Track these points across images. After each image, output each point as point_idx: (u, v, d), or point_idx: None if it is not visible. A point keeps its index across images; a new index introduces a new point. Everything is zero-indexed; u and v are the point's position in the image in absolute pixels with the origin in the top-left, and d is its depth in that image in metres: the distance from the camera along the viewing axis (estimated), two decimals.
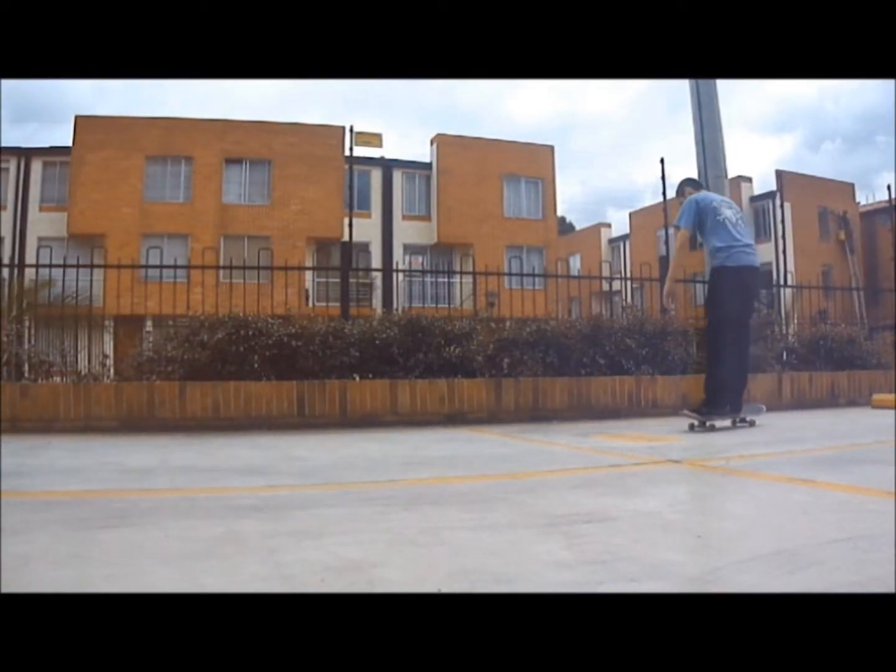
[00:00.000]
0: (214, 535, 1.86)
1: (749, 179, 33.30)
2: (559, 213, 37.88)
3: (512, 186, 30.76)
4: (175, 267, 6.45)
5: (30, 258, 19.76)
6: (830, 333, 7.79)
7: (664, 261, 9.12)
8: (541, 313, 7.12)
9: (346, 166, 28.09)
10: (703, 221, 4.99)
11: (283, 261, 8.23)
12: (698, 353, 6.99)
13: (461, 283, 25.15)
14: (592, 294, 8.05)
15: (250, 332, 5.56)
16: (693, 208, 4.98)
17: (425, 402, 5.62)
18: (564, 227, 61.03)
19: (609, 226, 45.29)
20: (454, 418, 5.61)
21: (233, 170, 26.96)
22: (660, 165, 34.03)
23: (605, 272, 19.85)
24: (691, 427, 4.73)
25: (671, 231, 32.44)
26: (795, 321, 9.24)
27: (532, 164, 30.57)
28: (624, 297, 11.46)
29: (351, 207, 27.95)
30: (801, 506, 2.20)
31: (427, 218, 30.28)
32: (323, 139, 27.57)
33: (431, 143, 30.67)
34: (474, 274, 8.85)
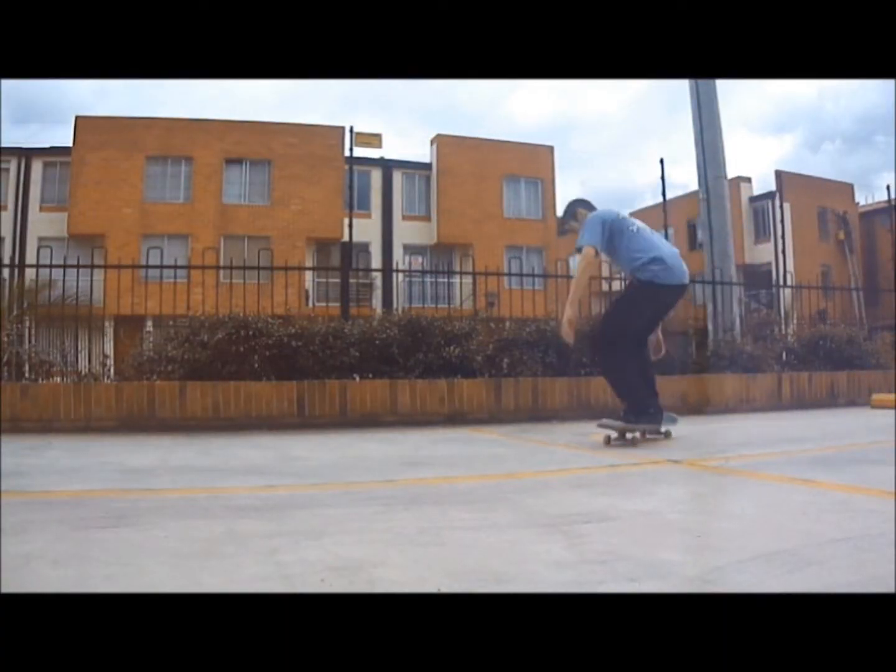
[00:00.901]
0: (214, 535, 1.86)
1: (748, 179, 33.32)
2: (560, 213, 37.89)
3: (512, 187, 30.76)
4: (175, 267, 6.45)
5: (30, 258, 19.75)
6: (830, 333, 7.79)
7: None
8: (540, 313, 7.12)
9: (346, 167, 28.10)
10: (613, 237, 4.41)
11: (283, 261, 8.23)
12: (699, 352, 7.00)
13: (461, 283, 25.14)
14: (592, 294, 8.02)
15: (250, 333, 5.56)
16: (598, 223, 4.39)
17: (425, 402, 5.62)
18: None
19: None
20: (454, 418, 5.61)
21: (233, 170, 26.96)
22: (659, 166, 34.04)
23: (605, 272, 19.83)
24: (607, 440, 4.14)
25: (671, 231, 32.51)
26: (795, 321, 9.24)
27: (532, 164, 30.57)
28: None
29: (351, 207, 27.96)
30: (801, 506, 2.20)
31: (427, 218, 30.28)
32: (323, 139, 27.57)
33: (431, 143, 30.68)
34: (474, 274, 8.84)
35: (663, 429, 4.41)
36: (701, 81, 10.21)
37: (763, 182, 36.07)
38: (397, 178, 30.41)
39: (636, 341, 4.49)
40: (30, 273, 9.66)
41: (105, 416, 5.25)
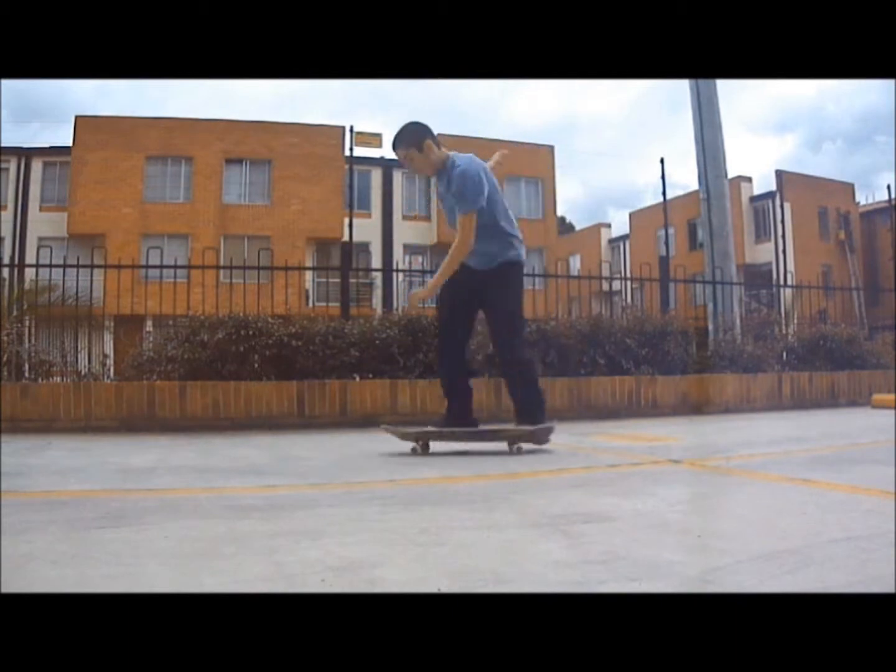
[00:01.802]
0: (215, 535, 1.86)
1: (749, 179, 33.33)
2: (560, 213, 37.90)
3: (512, 186, 30.76)
4: (175, 267, 6.45)
5: (30, 258, 19.76)
6: (830, 333, 7.79)
7: (663, 261, 9.15)
8: (541, 313, 7.11)
9: (347, 166, 28.11)
10: (487, 198, 3.67)
11: (283, 261, 8.21)
12: (699, 352, 7.00)
13: None
14: (592, 294, 8.01)
15: (250, 332, 5.56)
16: (481, 177, 3.65)
17: (425, 402, 5.62)
18: (564, 227, 61.00)
19: (609, 226, 45.34)
20: None
21: (233, 170, 26.97)
22: (660, 165, 34.04)
23: (605, 272, 19.85)
24: (414, 451, 3.70)
25: (671, 231, 32.52)
26: (795, 321, 9.24)
27: (532, 164, 30.55)
28: (624, 297, 11.46)
29: (351, 207, 27.98)
30: (801, 506, 2.20)
31: (427, 218, 30.28)
32: (323, 139, 27.59)
33: None
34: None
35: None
36: (701, 81, 10.20)
37: (764, 182, 36.12)
38: (397, 177, 30.41)
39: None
40: (29, 273, 9.69)
41: (105, 416, 5.25)
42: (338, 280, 6.81)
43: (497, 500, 2.38)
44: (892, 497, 2.17)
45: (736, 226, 25.82)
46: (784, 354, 7.63)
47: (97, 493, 2.60)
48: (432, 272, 9.66)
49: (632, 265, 34.67)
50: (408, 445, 3.80)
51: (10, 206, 24.82)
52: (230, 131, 26.31)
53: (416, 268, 25.81)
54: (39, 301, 8.23)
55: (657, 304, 7.84)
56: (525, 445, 3.73)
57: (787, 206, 31.36)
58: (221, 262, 8.98)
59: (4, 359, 5.76)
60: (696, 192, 11.02)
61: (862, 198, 35.59)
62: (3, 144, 23.88)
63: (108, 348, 7.92)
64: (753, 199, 33.14)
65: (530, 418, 3.79)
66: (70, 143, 25.10)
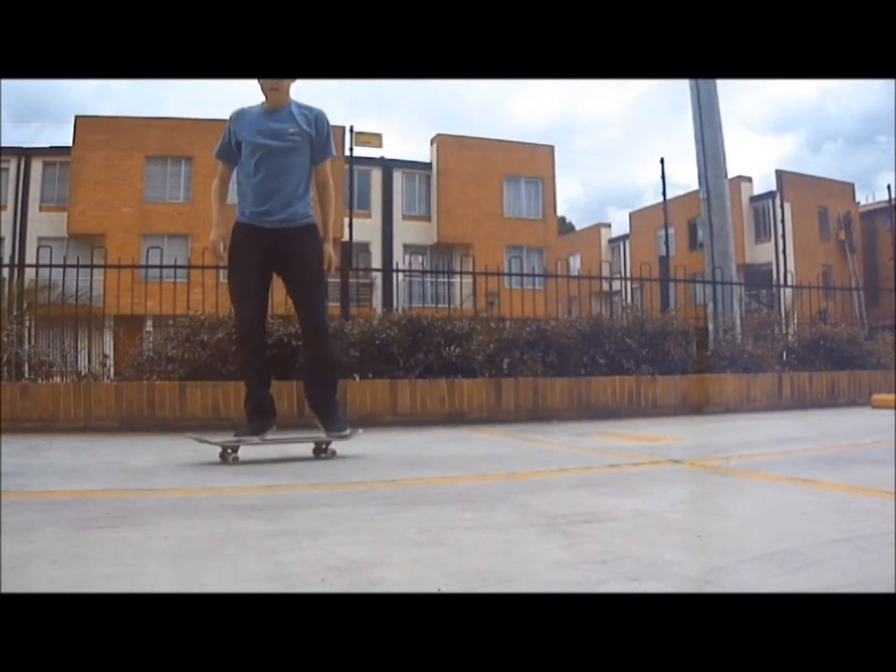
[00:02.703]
0: (214, 535, 1.86)
1: (749, 179, 33.32)
2: (560, 213, 37.85)
3: (512, 186, 30.78)
4: (175, 267, 6.44)
5: (30, 258, 19.75)
6: (830, 333, 7.79)
7: (663, 261, 9.14)
8: (541, 313, 7.10)
9: (347, 166, 28.09)
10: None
11: None
12: (699, 352, 7.00)
13: (461, 283, 25.13)
14: (592, 294, 8.00)
15: None
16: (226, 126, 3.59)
17: (425, 403, 5.62)
18: (565, 227, 60.90)
19: (609, 226, 45.31)
20: (454, 418, 5.61)
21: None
22: (660, 165, 34.02)
23: (605, 272, 19.85)
24: (223, 457, 3.41)
25: (671, 231, 32.49)
26: (795, 321, 9.23)
27: (532, 164, 30.57)
28: (624, 297, 11.45)
29: (351, 207, 27.95)
30: (801, 506, 2.20)
31: (427, 218, 30.28)
32: None
33: (431, 143, 30.69)
34: (474, 274, 8.83)
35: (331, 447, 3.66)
36: (701, 81, 10.21)
37: (764, 182, 36.12)
38: (397, 177, 30.42)
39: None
40: (29, 273, 9.67)
41: (105, 416, 5.25)
42: (337, 280, 6.78)
43: (497, 500, 2.38)
44: (892, 497, 2.17)
45: (736, 226, 25.79)
46: (784, 354, 7.62)
47: (97, 493, 2.60)
48: (432, 272, 9.64)
49: (632, 265, 34.64)
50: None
51: (10, 205, 24.81)
52: None
53: (415, 268, 25.93)
54: (39, 298, 8.22)
55: (657, 304, 7.84)
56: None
57: (787, 206, 31.35)
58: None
59: (4, 359, 5.76)
60: (696, 192, 11.01)
61: (862, 198, 35.62)
62: (3, 144, 23.89)
63: (108, 348, 7.91)
64: (753, 199, 33.12)
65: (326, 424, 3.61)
66: (70, 143, 25.07)
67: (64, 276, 6.42)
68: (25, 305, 10.32)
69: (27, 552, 1.66)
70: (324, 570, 1.51)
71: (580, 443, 4.17)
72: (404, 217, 30.39)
